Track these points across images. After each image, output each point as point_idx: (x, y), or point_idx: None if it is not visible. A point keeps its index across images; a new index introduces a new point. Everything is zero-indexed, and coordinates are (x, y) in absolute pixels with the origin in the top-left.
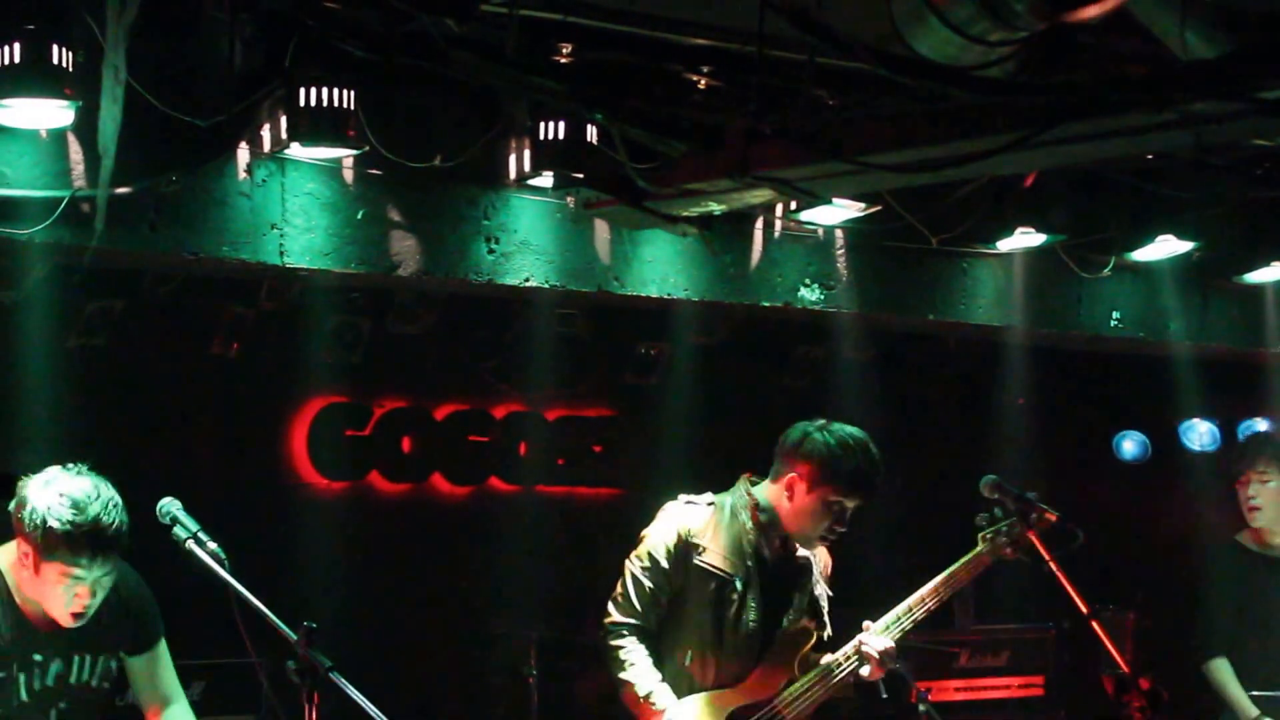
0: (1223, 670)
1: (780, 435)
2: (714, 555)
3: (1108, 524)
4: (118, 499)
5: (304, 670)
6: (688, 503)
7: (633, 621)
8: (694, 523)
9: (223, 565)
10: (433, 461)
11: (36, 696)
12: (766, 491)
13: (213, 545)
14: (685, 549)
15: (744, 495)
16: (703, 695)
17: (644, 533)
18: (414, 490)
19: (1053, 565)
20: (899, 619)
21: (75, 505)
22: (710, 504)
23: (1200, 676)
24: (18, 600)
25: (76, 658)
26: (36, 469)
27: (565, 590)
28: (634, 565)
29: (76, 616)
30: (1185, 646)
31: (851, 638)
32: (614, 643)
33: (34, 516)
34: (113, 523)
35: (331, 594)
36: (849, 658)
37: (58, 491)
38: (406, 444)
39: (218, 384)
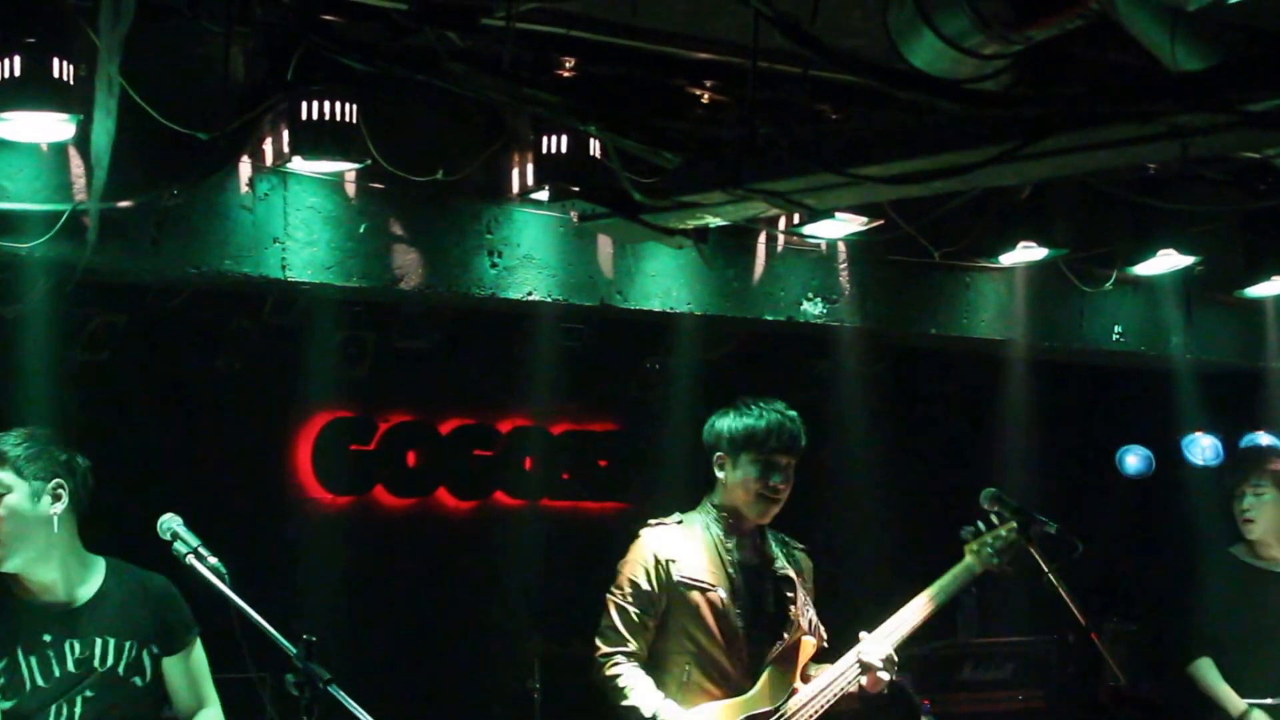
0: (1207, 670)
1: None
2: (695, 570)
3: (1109, 537)
4: (38, 434)
5: (303, 683)
6: (657, 524)
7: (624, 649)
8: (667, 543)
9: (223, 580)
10: (437, 476)
11: (56, 683)
12: (717, 493)
13: (213, 560)
14: (664, 569)
15: (709, 507)
16: (711, 705)
17: (620, 564)
18: (418, 505)
19: (1052, 577)
20: (896, 628)
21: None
22: (679, 522)
23: (1187, 679)
24: (11, 586)
25: (99, 640)
26: None
27: (569, 604)
28: (616, 596)
29: None
30: (1172, 652)
31: (849, 648)
32: (609, 673)
33: None
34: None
35: (335, 608)
36: (850, 666)
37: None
38: (411, 458)
39: (221, 399)
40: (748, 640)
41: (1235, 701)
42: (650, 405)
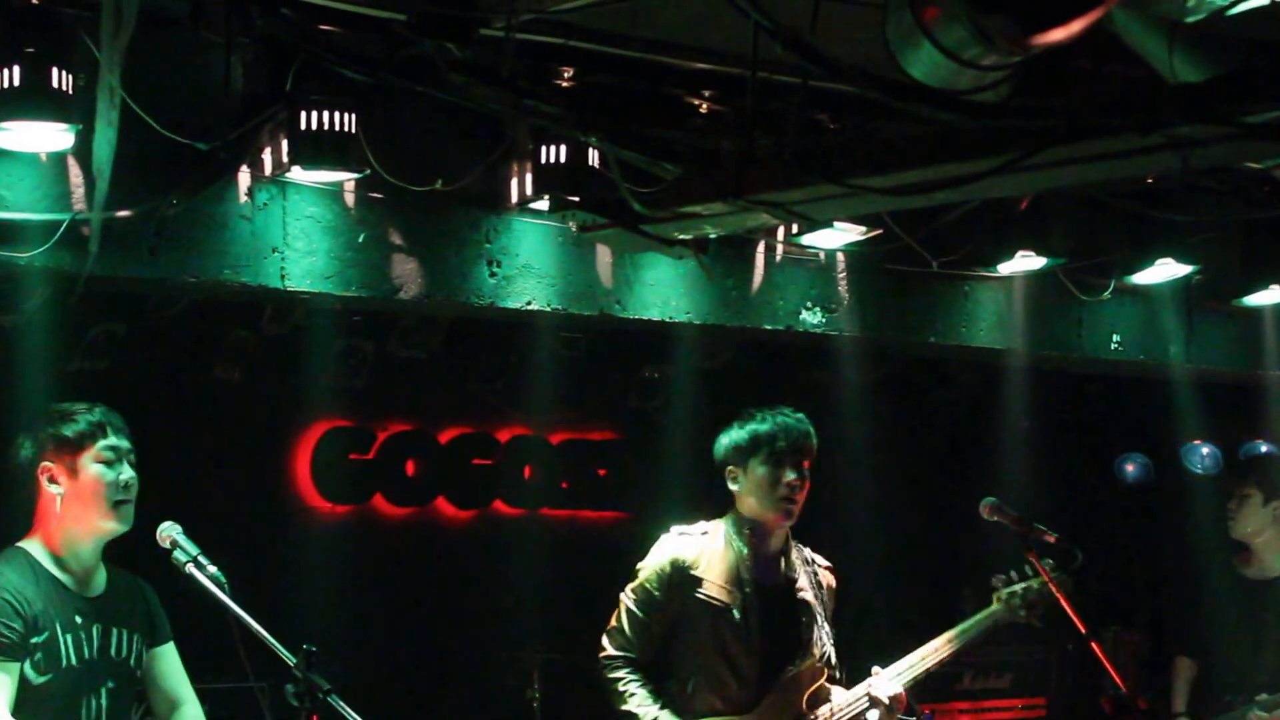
0: (1178, 667)
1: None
2: (710, 586)
3: (1109, 545)
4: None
5: (303, 693)
6: (681, 533)
7: (627, 654)
8: (688, 553)
9: (223, 589)
10: (437, 485)
11: (86, 665)
12: (737, 508)
13: (213, 569)
14: (680, 580)
15: (734, 521)
16: None
17: (639, 565)
18: (418, 514)
19: (1052, 586)
20: (910, 667)
21: (68, 406)
22: (704, 533)
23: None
24: (49, 567)
25: (114, 630)
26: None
27: (569, 613)
28: (628, 598)
29: (121, 507)
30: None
31: (852, 661)
32: (611, 675)
33: (47, 431)
34: (101, 408)
35: (335, 618)
36: (859, 699)
37: (47, 414)
38: (410, 467)
39: (220, 408)
40: (760, 662)
41: (1177, 703)
42: (649, 414)
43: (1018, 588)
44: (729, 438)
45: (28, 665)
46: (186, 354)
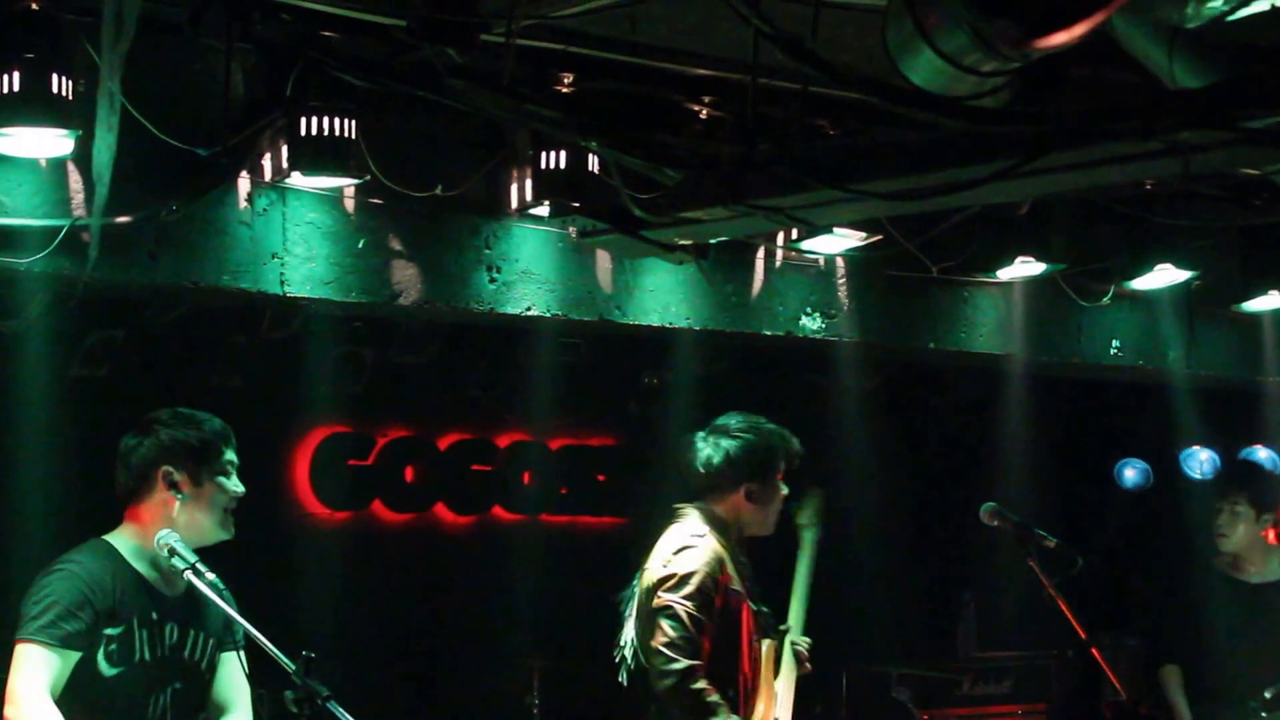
0: (1170, 676)
1: (695, 455)
2: (733, 580)
3: (1109, 550)
4: None
5: (302, 700)
6: (699, 535)
7: (699, 662)
8: (716, 551)
9: (221, 595)
10: (436, 491)
11: (158, 662)
12: (721, 510)
13: (211, 576)
14: (719, 577)
15: (710, 520)
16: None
17: (683, 571)
18: (417, 520)
19: (1052, 591)
20: (799, 614)
21: (189, 412)
22: (704, 534)
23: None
24: (133, 561)
25: (191, 631)
26: (37, 499)
27: (568, 619)
28: (686, 605)
29: (230, 518)
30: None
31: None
32: (697, 686)
33: (174, 435)
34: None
35: (334, 624)
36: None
37: (174, 417)
38: (409, 473)
39: (220, 414)
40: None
41: (1184, 712)
42: (649, 420)
43: (807, 507)
44: (779, 443)
45: (100, 655)
46: (185, 360)
